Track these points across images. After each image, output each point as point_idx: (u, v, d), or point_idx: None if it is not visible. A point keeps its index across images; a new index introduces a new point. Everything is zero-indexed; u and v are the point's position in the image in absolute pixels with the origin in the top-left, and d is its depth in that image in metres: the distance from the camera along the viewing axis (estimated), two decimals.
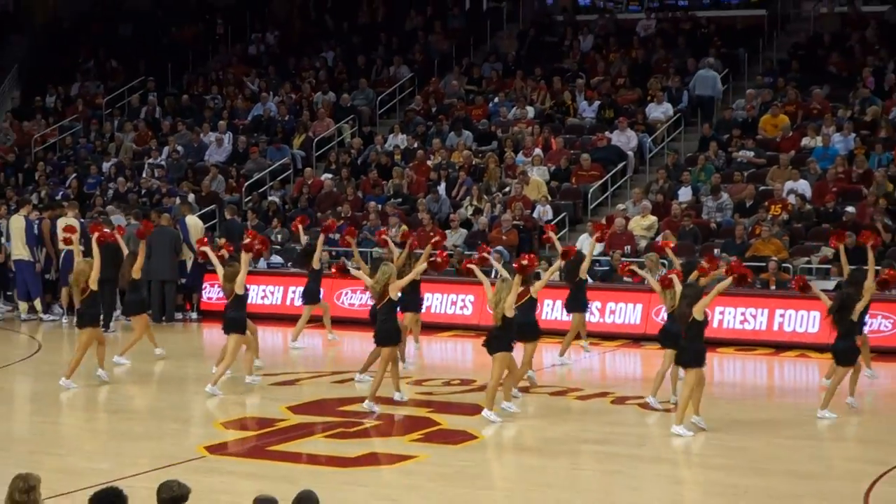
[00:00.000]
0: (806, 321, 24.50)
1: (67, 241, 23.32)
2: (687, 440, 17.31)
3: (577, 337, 23.26)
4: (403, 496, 14.27)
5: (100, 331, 21.61)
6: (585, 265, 22.44)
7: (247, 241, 20.89)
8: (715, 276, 21.07)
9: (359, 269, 21.58)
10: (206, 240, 22.81)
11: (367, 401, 18.89)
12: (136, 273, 23.12)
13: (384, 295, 19.17)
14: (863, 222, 26.36)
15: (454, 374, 22.03)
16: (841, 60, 33.00)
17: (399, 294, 19.36)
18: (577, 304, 22.72)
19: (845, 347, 18.51)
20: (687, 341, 17.57)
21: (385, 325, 19.18)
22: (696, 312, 17.31)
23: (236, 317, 20.37)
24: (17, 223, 27.98)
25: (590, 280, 26.45)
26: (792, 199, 27.87)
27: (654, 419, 18.81)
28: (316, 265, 24.45)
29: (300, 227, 25.13)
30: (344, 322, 26.29)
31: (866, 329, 21.03)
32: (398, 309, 19.92)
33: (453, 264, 27.28)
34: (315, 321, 25.44)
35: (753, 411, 19.43)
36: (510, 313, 18.09)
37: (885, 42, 33.19)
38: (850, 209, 26.80)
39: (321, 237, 24.48)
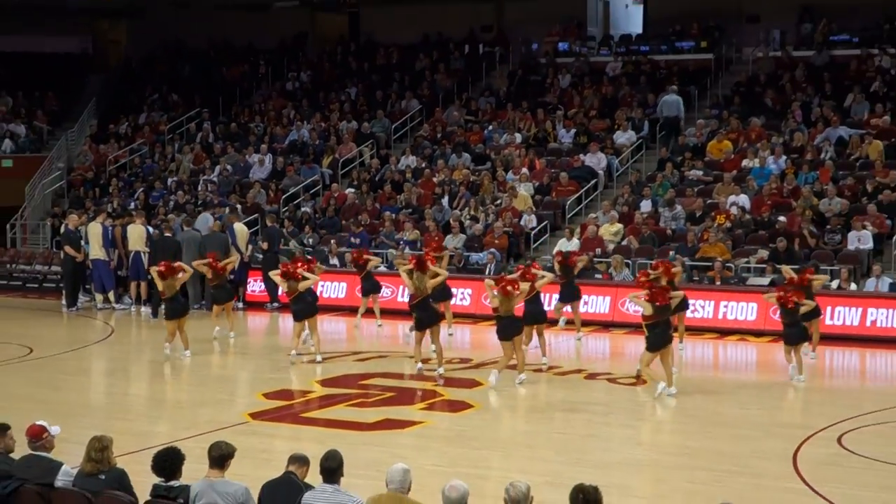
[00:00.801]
0: (745, 311, 24.46)
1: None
2: (649, 409, 17.29)
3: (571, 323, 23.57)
4: (413, 455, 14.22)
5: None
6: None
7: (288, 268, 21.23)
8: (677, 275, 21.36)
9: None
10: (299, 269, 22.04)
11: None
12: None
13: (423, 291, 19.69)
14: (792, 230, 26.31)
15: (455, 354, 21.96)
16: (775, 96, 32.91)
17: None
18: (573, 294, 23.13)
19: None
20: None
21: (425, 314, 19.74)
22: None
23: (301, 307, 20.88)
24: (95, 229, 27.94)
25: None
26: (734, 210, 27.79)
27: (621, 392, 18.75)
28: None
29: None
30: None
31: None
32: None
33: (454, 263, 27.31)
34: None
35: (702, 385, 19.36)
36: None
37: (811, 81, 33.10)
38: (781, 218, 26.72)
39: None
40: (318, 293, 23.30)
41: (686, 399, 18.12)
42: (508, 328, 18.73)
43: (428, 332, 19.75)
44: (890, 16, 34.30)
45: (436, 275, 20.22)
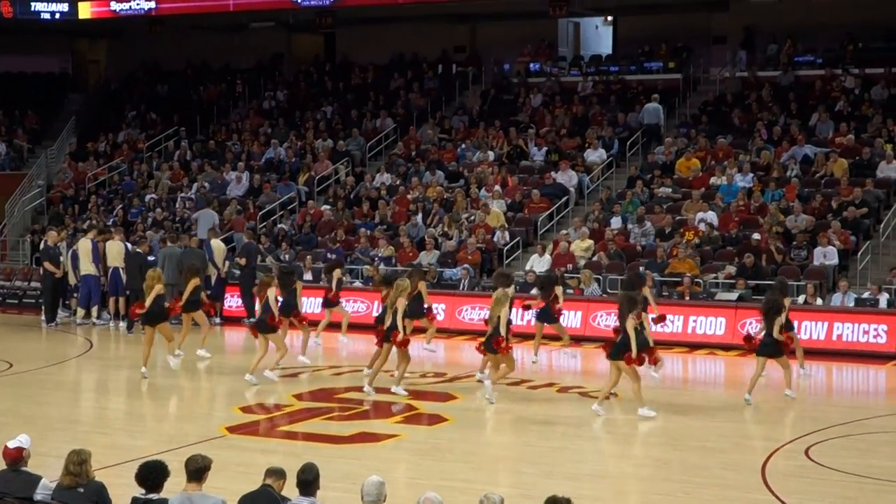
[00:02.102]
0: (714, 325, 24.51)
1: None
2: (620, 422, 17.29)
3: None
4: (388, 468, 14.17)
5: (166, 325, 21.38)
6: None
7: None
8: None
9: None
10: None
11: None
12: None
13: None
14: (759, 246, 26.38)
15: (429, 369, 21.93)
16: (742, 115, 33.04)
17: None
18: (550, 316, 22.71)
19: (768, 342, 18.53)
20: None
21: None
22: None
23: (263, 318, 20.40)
24: (85, 245, 27.83)
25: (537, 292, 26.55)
26: (702, 226, 27.86)
27: (592, 405, 18.73)
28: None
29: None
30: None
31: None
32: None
33: (428, 279, 27.28)
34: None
35: (672, 398, 19.36)
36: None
37: (777, 101, 33.25)
38: (756, 236, 26.73)
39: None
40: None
41: (658, 412, 18.11)
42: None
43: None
44: (854, 37, 34.52)
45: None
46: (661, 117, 33.76)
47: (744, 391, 18.59)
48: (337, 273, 24.17)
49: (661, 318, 21.47)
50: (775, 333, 18.29)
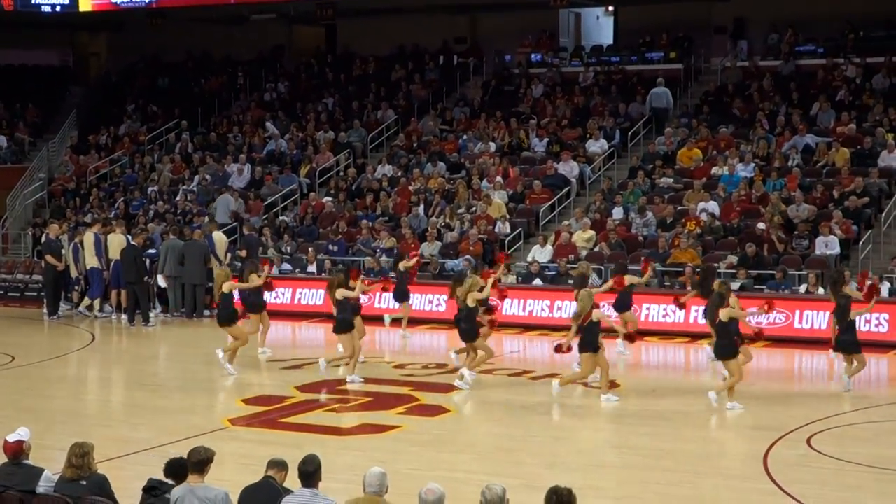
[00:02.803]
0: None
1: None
2: (622, 412, 17.32)
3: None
4: (390, 459, 14.18)
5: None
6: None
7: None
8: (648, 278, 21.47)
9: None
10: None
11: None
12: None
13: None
14: (761, 236, 26.38)
15: (431, 360, 21.94)
16: (743, 105, 33.02)
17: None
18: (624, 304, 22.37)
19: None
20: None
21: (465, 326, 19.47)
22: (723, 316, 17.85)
23: (341, 319, 20.01)
24: (89, 238, 27.86)
25: (540, 282, 26.56)
26: (704, 216, 27.85)
27: (595, 396, 18.74)
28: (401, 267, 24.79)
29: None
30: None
31: None
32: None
33: (430, 270, 27.33)
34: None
35: (674, 388, 19.38)
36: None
37: (778, 90, 33.22)
38: (760, 225, 26.71)
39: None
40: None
41: (657, 402, 18.15)
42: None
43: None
44: (854, 26, 34.48)
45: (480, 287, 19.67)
46: (669, 101, 34.02)
47: (745, 379, 18.56)
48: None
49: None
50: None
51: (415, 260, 25.93)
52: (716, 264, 25.88)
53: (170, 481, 9.87)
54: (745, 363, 18.71)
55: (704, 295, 20.60)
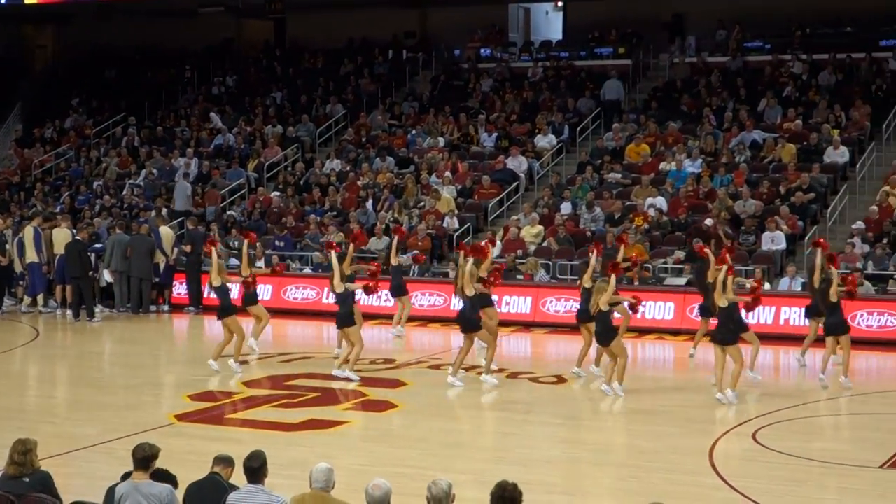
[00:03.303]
0: (663, 310, 24.61)
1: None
2: (569, 407, 17.36)
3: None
4: (337, 454, 14.14)
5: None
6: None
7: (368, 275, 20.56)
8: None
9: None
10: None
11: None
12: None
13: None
14: (709, 231, 26.52)
15: (379, 355, 21.92)
16: (690, 101, 33.20)
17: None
18: None
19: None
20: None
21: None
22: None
23: (344, 313, 19.54)
24: (29, 233, 27.63)
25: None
26: (652, 211, 27.98)
27: (542, 391, 18.79)
28: (394, 262, 24.19)
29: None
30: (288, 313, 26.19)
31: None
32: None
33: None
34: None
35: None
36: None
37: (726, 86, 33.43)
38: (707, 221, 26.85)
39: (395, 239, 24.42)
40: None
41: (606, 397, 18.20)
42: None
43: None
44: (801, 23, 34.75)
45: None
46: (621, 93, 34.27)
47: (691, 375, 18.67)
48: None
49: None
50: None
51: (414, 253, 25.80)
52: (663, 260, 26.04)
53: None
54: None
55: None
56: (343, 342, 20.27)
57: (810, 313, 20.51)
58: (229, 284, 20.81)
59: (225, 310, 20.28)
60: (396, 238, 24.50)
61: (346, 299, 19.40)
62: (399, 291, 24.06)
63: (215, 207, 32.09)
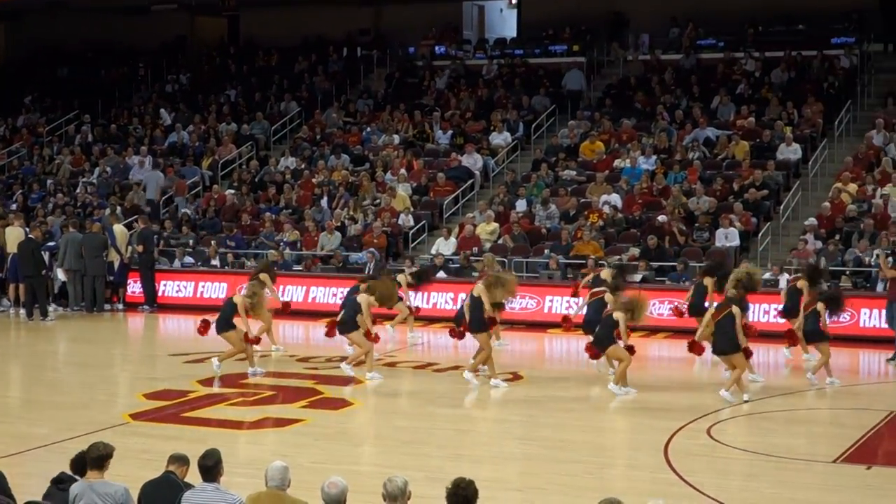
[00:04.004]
0: None
1: None
2: (524, 404, 17.40)
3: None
4: (293, 452, 14.12)
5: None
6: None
7: None
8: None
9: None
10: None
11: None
12: None
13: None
14: (663, 228, 26.65)
15: (334, 353, 21.88)
16: (644, 98, 33.33)
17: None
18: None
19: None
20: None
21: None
22: None
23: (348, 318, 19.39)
24: None
25: (444, 275, 26.58)
26: (606, 209, 28.07)
27: (496, 388, 18.81)
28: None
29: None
30: None
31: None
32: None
33: (333, 263, 27.22)
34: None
35: (574, 383, 19.51)
36: None
37: (679, 83, 33.59)
38: (661, 218, 26.97)
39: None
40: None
41: (562, 393, 18.25)
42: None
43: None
44: (754, 21, 34.96)
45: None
46: (583, 83, 34.42)
47: (647, 371, 18.75)
48: None
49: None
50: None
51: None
52: (617, 256, 26.10)
53: (78, 477, 9.74)
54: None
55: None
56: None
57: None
58: None
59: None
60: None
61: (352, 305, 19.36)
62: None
63: (183, 198, 32.11)
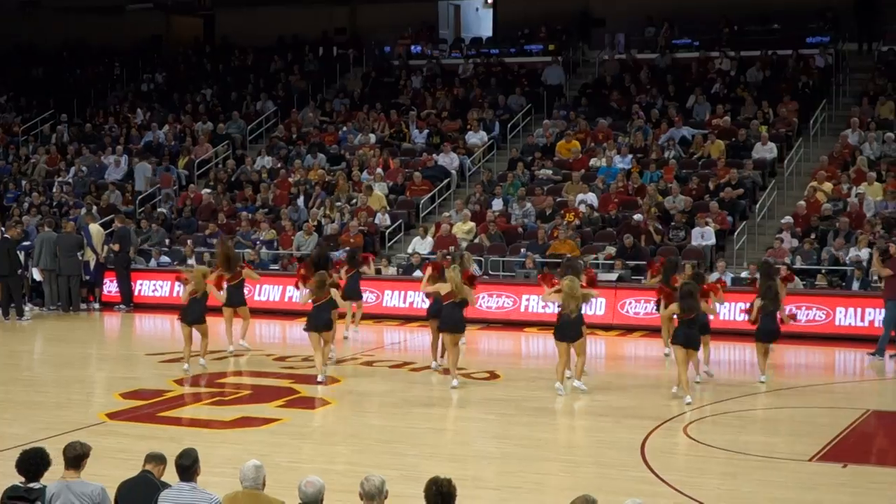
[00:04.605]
0: (595, 306, 24.58)
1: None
2: (501, 403, 17.42)
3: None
4: (270, 451, 14.11)
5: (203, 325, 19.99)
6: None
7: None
8: None
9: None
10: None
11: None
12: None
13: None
14: (639, 226, 26.69)
15: (311, 352, 21.83)
16: (620, 97, 33.40)
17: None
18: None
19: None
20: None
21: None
22: None
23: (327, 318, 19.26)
24: None
25: (420, 273, 26.52)
26: (583, 208, 28.11)
27: (474, 386, 18.83)
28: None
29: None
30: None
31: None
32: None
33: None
34: None
35: (551, 382, 19.50)
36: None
37: (655, 83, 33.67)
38: (637, 217, 27.01)
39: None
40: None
41: (537, 392, 18.27)
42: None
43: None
44: (729, 20, 35.07)
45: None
46: (562, 77, 34.51)
47: (623, 369, 18.79)
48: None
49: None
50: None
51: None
52: (594, 255, 26.14)
53: (35, 485, 9.58)
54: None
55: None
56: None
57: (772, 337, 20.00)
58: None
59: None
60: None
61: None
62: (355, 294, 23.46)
63: (170, 190, 32.08)
